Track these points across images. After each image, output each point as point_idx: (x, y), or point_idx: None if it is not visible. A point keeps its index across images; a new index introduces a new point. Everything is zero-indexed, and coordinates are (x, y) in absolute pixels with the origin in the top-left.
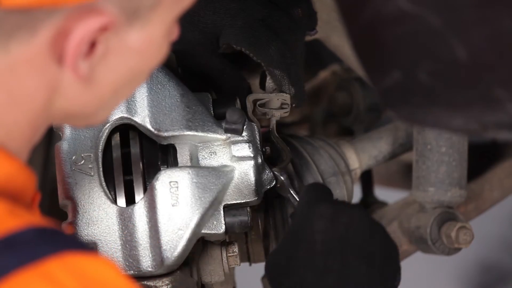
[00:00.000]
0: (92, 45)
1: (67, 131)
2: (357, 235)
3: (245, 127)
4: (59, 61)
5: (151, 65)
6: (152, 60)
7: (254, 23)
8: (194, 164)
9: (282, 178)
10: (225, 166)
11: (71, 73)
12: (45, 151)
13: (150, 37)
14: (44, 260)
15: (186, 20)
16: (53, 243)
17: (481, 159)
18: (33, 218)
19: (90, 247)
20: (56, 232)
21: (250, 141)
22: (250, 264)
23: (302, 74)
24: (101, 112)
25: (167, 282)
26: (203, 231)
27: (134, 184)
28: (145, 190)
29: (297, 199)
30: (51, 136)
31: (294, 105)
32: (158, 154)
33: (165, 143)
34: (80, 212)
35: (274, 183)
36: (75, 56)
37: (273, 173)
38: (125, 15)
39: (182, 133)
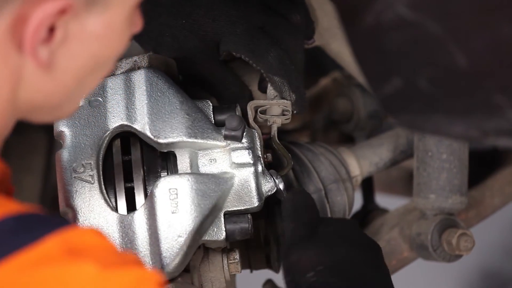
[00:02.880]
0: (51, 31)
1: (68, 139)
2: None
3: (245, 133)
4: (19, 48)
5: (113, 52)
6: (113, 47)
7: (254, 30)
8: (194, 171)
9: (280, 186)
10: (225, 173)
11: (32, 60)
12: (46, 159)
13: (110, 23)
14: (42, 240)
15: (186, 28)
16: (43, 225)
17: (482, 166)
18: (16, 206)
19: (69, 221)
20: (39, 215)
21: (250, 147)
22: (251, 271)
23: (303, 81)
24: (67, 103)
25: None
26: (203, 238)
27: (135, 191)
28: (145, 197)
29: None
30: (52, 144)
31: (295, 112)
32: (158, 161)
33: (165, 150)
34: (80, 220)
35: (275, 190)
36: (34, 42)
37: (272, 178)
38: None
39: (181, 140)
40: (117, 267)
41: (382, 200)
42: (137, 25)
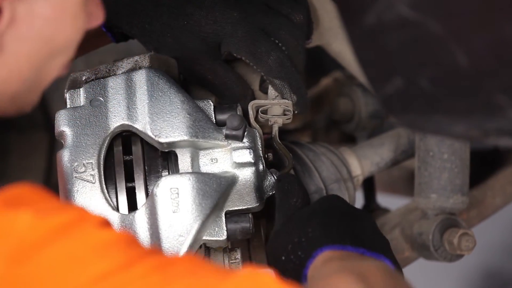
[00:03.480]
0: None
1: (69, 139)
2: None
3: (246, 133)
4: None
5: (68, 37)
6: (67, 31)
7: (255, 32)
8: (195, 170)
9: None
10: (226, 172)
11: None
12: (47, 159)
13: (61, 6)
14: None
15: (188, 29)
16: None
17: (483, 165)
18: None
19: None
20: None
21: (251, 147)
22: None
23: (304, 81)
24: (26, 92)
25: None
26: (204, 238)
27: (136, 191)
28: (146, 197)
29: None
30: (53, 144)
31: (296, 112)
32: (159, 161)
33: (166, 150)
34: None
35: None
36: None
37: (273, 177)
38: None
39: (183, 140)
40: (53, 212)
41: (383, 199)
42: (98, 18)
